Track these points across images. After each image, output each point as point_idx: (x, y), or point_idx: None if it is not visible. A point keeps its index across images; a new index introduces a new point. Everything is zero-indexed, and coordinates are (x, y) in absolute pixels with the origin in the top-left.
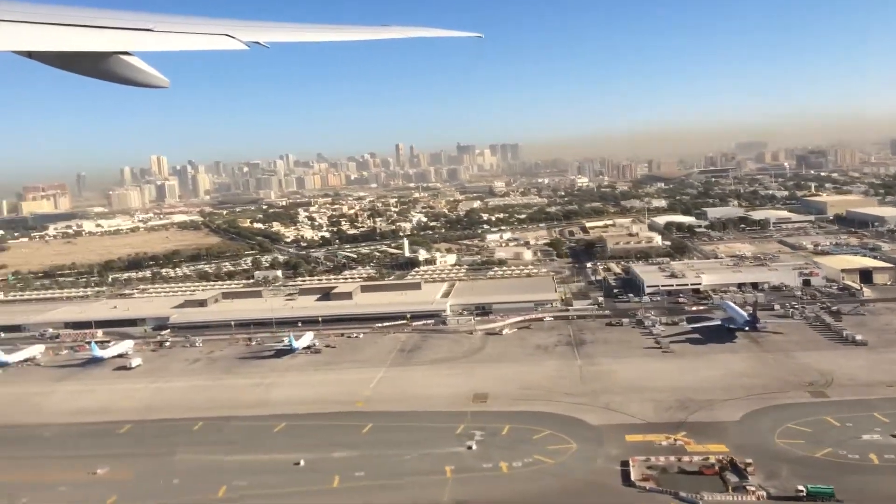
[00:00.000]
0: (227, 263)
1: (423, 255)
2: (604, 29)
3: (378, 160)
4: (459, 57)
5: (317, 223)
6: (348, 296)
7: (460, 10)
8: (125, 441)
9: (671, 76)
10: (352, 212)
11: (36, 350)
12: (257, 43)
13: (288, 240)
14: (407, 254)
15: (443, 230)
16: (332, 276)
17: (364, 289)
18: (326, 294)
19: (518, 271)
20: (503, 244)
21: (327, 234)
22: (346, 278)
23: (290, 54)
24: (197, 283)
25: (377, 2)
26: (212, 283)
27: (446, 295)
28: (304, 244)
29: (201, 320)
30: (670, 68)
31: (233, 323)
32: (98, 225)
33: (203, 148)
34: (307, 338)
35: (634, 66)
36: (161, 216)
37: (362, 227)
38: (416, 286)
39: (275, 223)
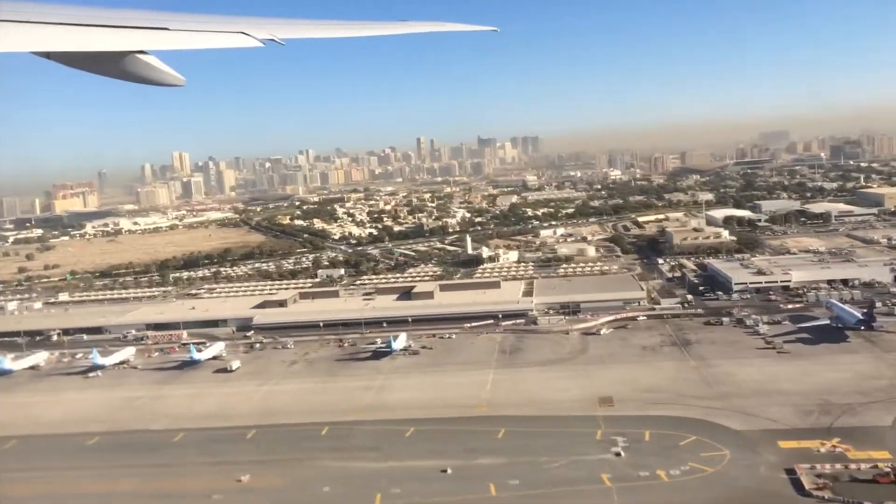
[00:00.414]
0: (282, 262)
1: (485, 252)
2: (617, 23)
3: (399, 154)
4: (474, 50)
5: (357, 219)
6: (429, 295)
7: (477, 2)
8: (256, 447)
9: (688, 69)
10: (388, 207)
11: (127, 353)
12: (273, 40)
13: (335, 237)
14: (469, 251)
15: (490, 226)
16: (397, 275)
17: (442, 288)
18: (407, 293)
19: (588, 269)
20: (559, 240)
21: (374, 231)
22: (413, 276)
23: (306, 51)
24: (261, 283)
25: None
26: (275, 282)
27: (528, 294)
28: (354, 241)
29: (285, 321)
30: (688, 61)
31: (321, 324)
32: (135, 223)
33: (221, 144)
34: (402, 339)
35: (651, 59)
36: (193, 213)
37: (405, 222)
38: (496, 285)
39: (315, 220)
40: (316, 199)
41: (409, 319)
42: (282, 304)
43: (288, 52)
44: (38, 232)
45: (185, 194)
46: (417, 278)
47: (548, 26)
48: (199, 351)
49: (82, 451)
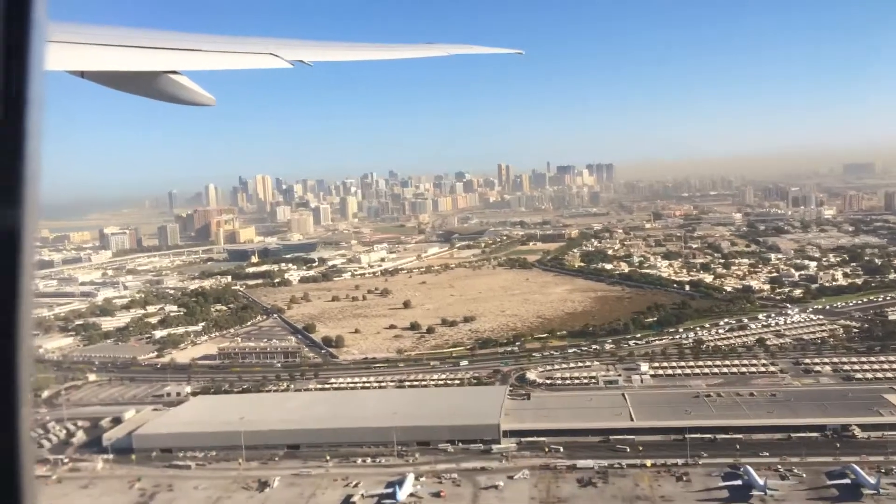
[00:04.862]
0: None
1: None
2: (670, 51)
3: (481, 180)
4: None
5: (636, 261)
6: None
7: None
8: None
9: (760, 100)
10: (651, 248)
11: None
12: (301, 62)
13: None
14: None
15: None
16: None
17: None
18: None
19: None
20: None
21: (755, 283)
22: None
23: (338, 72)
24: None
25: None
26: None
27: None
28: (755, 295)
29: None
30: (758, 93)
31: None
32: (381, 260)
33: (250, 164)
34: None
35: (725, 88)
36: (410, 251)
37: (727, 273)
38: None
39: (615, 262)
40: (515, 233)
41: None
42: None
43: (322, 73)
44: (296, 269)
45: (315, 220)
46: None
47: (594, 50)
48: None
49: None
